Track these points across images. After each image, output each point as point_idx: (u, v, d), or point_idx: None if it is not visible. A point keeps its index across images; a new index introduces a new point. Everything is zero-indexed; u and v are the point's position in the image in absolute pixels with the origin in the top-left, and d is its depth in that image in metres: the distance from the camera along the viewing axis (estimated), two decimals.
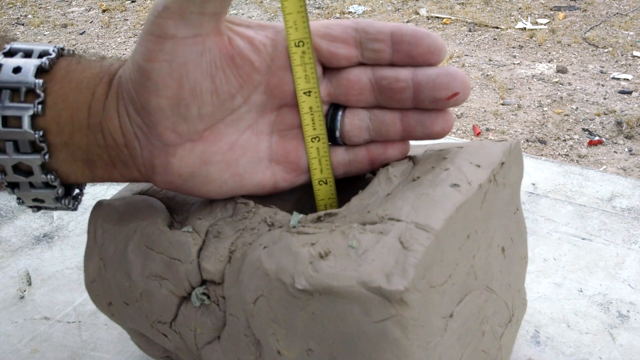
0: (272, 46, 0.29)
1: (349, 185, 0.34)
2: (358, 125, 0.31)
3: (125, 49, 2.83)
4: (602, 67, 2.30)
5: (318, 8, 3.18)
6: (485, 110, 2.03)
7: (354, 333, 0.24)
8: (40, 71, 0.28)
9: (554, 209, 0.56)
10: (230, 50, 0.28)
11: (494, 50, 2.53)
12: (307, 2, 3.19)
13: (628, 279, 0.47)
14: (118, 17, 3.28)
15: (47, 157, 0.29)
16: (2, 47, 0.29)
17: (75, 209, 0.32)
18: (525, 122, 1.94)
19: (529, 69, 2.33)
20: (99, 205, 0.35)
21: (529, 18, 2.82)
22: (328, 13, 3.08)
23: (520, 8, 2.96)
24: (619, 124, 1.87)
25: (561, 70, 2.27)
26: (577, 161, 1.72)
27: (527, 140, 1.84)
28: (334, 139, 0.32)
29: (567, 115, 1.97)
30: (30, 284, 0.50)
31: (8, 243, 0.56)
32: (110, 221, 0.34)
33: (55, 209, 0.32)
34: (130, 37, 2.99)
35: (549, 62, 2.38)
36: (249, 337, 0.28)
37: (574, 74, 2.26)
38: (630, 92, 2.07)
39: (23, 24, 3.25)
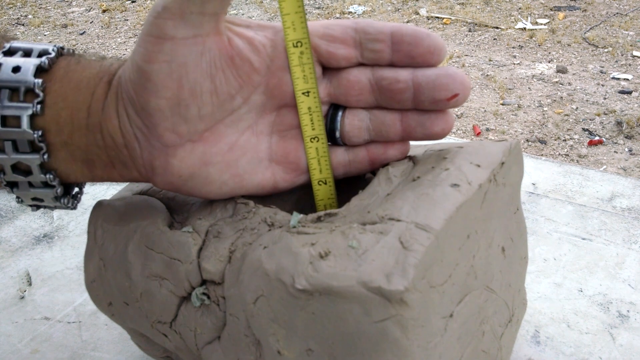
0: (272, 47, 0.29)
1: (349, 185, 0.34)
2: (358, 126, 0.31)
3: (126, 49, 2.83)
4: (602, 67, 2.30)
5: (318, 8, 3.18)
6: (485, 110, 2.03)
7: (354, 333, 0.24)
8: (39, 71, 0.28)
9: (554, 209, 0.56)
10: (229, 50, 0.28)
11: (494, 50, 2.53)
12: (307, 2, 3.20)
13: (628, 278, 0.47)
14: (118, 18, 3.28)
15: (46, 156, 0.29)
16: (2, 46, 0.29)
17: (74, 208, 0.32)
18: (525, 122, 1.94)
19: (529, 69, 2.33)
20: (99, 206, 0.35)
21: (529, 18, 2.82)
22: (328, 13, 3.08)
23: (520, 8, 2.96)
24: (619, 123, 1.87)
25: (561, 70, 2.27)
26: (577, 161, 1.72)
27: (527, 140, 1.84)
28: (334, 139, 0.32)
29: (567, 115, 1.97)
30: (30, 284, 0.50)
31: (8, 243, 0.56)
32: (111, 221, 0.34)
33: (55, 208, 0.32)
34: (130, 38, 2.99)
35: (549, 62, 2.38)
36: (249, 337, 0.28)
37: (574, 74, 2.26)
38: (630, 92, 2.07)
39: (23, 24, 3.25)
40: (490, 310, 0.31)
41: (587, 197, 0.57)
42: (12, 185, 0.30)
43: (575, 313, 0.44)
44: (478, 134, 1.88)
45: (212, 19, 0.27)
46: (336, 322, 0.25)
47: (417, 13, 3.00)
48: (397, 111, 0.30)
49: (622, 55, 2.38)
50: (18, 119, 0.28)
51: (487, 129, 1.92)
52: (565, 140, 1.83)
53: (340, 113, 0.31)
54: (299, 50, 0.29)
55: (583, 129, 1.88)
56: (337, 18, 2.98)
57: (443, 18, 2.90)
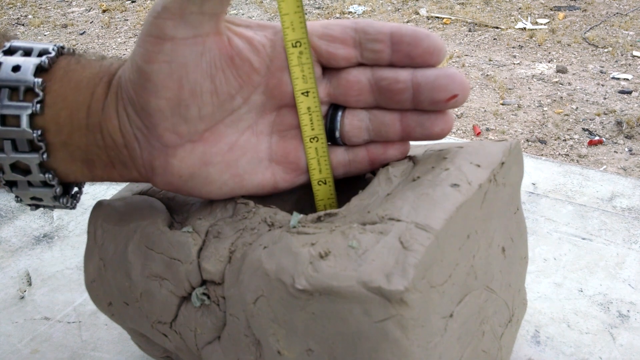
0: (271, 47, 0.29)
1: (349, 185, 0.34)
2: (357, 126, 0.31)
3: (126, 49, 2.83)
4: (602, 67, 2.30)
5: (318, 8, 3.18)
6: (485, 110, 2.03)
7: (354, 333, 0.24)
8: (39, 70, 0.28)
9: (554, 209, 0.56)
10: (229, 50, 0.28)
11: (494, 50, 2.53)
12: (307, 2, 3.20)
13: (628, 278, 0.47)
14: (118, 18, 3.28)
15: (45, 156, 0.29)
16: (2, 45, 0.29)
17: (73, 207, 0.32)
18: (525, 122, 1.94)
19: (529, 69, 2.33)
20: (99, 206, 0.35)
21: (529, 18, 2.82)
22: (328, 13, 3.08)
23: (520, 8, 2.96)
24: (619, 123, 1.87)
25: (561, 70, 2.27)
26: (577, 161, 1.72)
27: (527, 140, 1.84)
28: (333, 139, 0.32)
29: (567, 115, 1.97)
30: (30, 284, 0.50)
31: (8, 243, 0.56)
32: (110, 221, 0.34)
33: (54, 207, 0.32)
34: (130, 38, 2.99)
35: (549, 62, 2.38)
36: (249, 337, 0.28)
37: (574, 74, 2.26)
38: (630, 92, 2.07)
39: (23, 25, 3.25)
40: (490, 310, 0.31)
41: (587, 197, 0.57)
42: (11, 185, 0.30)
43: (575, 313, 0.44)
44: (478, 134, 1.88)
45: (212, 18, 0.27)
46: (336, 322, 0.25)
47: (417, 13, 3.00)
48: (396, 111, 0.30)
49: (622, 55, 2.38)
50: (17, 118, 0.28)
51: (487, 129, 1.92)
52: (565, 140, 1.83)
53: (339, 113, 0.31)
54: (298, 50, 0.29)
55: (583, 129, 1.88)
56: (337, 18, 2.98)
57: (443, 18, 2.90)
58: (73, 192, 0.32)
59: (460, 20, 2.86)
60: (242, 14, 3.17)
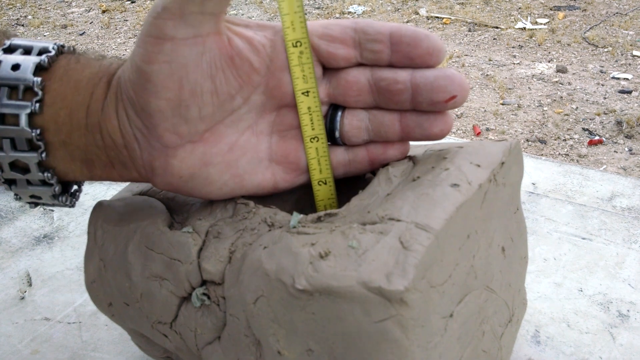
0: (271, 47, 0.29)
1: (349, 185, 0.34)
2: (357, 126, 0.31)
3: (125, 50, 2.83)
4: (602, 66, 2.30)
5: (318, 8, 3.18)
6: (485, 110, 2.03)
7: (354, 333, 0.24)
8: (39, 69, 0.28)
9: (554, 209, 0.56)
10: (229, 50, 0.28)
11: (493, 50, 2.53)
12: (307, 2, 3.19)
13: (628, 278, 0.47)
14: (118, 18, 3.28)
15: (44, 155, 0.29)
16: (2, 43, 0.29)
17: (72, 206, 0.32)
18: (525, 121, 1.94)
19: (528, 68, 2.33)
20: (99, 206, 0.35)
21: (529, 18, 2.82)
22: (328, 13, 3.08)
23: (520, 8, 2.96)
24: (619, 123, 1.87)
25: (561, 70, 2.27)
26: (577, 161, 1.72)
27: (527, 140, 1.84)
28: (333, 139, 0.32)
29: (567, 115, 1.97)
30: (30, 285, 0.50)
31: (8, 244, 0.56)
32: (111, 222, 0.34)
33: (53, 205, 0.32)
34: (130, 38, 2.99)
35: (549, 61, 2.38)
36: (249, 338, 0.28)
37: (573, 74, 2.26)
38: (630, 92, 2.07)
39: (23, 25, 3.25)
40: (490, 310, 0.31)
41: (587, 197, 0.57)
42: (10, 183, 0.30)
43: (575, 313, 0.44)
44: (478, 134, 1.88)
45: (211, 18, 0.27)
46: (336, 322, 0.25)
47: (417, 13, 3.00)
48: (396, 112, 0.30)
49: (622, 54, 2.38)
50: (17, 117, 0.28)
51: (487, 129, 1.92)
52: (565, 140, 1.83)
53: (339, 113, 0.31)
54: (298, 50, 0.29)
55: (583, 129, 1.88)
56: (337, 18, 2.98)
57: (443, 18, 2.90)
58: (72, 191, 0.32)
59: (460, 20, 2.86)
60: (242, 14, 3.17)
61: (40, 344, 0.44)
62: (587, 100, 2.05)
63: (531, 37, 2.61)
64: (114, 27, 3.15)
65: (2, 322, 0.46)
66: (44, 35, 3.07)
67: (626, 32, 2.59)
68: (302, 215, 0.29)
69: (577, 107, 2.01)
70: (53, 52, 0.29)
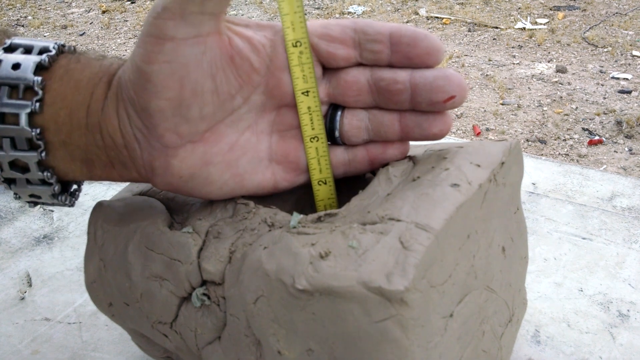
0: (271, 46, 0.29)
1: (349, 185, 0.34)
2: (357, 126, 0.31)
3: (125, 50, 2.83)
4: (602, 66, 2.30)
5: (318, 8, 3.18)
6: (485, 110, 2.03)
7: (354, 333, 0.24)
8: (39, 68, 0.28)
9: (554, 209, 0.56)
10: (229, 50, 0.28)
11: (493, 50, 2.53)
12: (307, 2, 3.19)
13: (628, 278, 0.47)
14: (118, 18, 3.28)
15: (43, 154, 0.29)
16: (3, 42, 0.29)
17: (72, 205, 0.32)
18: (525, 121, 1.94)
19: (528, 68, 2.33)
20: (99, 206, 0.35)
21: (529, 18, 2.82)
22: (328, 13, 3.08)
23: (519, 8, 2.96)
24: (618, 123, 1.87)
25: (561, 70, 2.27)
26: (577, 161, 1.72)
27: (527, 140, 1.84)
28: (333, 138, 0.32)
29: (567, 114, 1.97)
30: (30, 285, 0.50)
31: (8, 244, 0.56)
32: (111, 222, 0.34)
33: (53, 204, 0.32)
34: (130, 38, 2.99)
35: (549, 61, 2.38)
36: (250, 338, 0.28)
37: (573, 74, 2.26)
38: (629, 92, 2.07)
39: (23, 25, 3.25)
40: (490, 310, 0.31)
41: (587, 197, 0.57)
42: (9, 182, 0.30)
43: (575, 313, 0.44)
44: (478, 134, 1.88)
45: (212, 18, 0.27)
46: (336, 322, 0.25)
47: (417, 13, 3.00)
48: (395, 112, 0.30)
49: (621, 54, 2.38)
50: (17, 116, 0.28)
51: (487, 129, 1.92)
52: (565, 140, 1.83)
53: (339, 113, 0.31)
54: (298, 50, 0.29)
55: (583, 129, 1.88)
56: (337, 18, 2.98)
57: (442, 18, 2.90)
58: (72, 190, 0.32)
59: (459, 20, 2.86)
60: (242, 15, 3.17)
61: (41, 344, 0.44)
62: (587, 100, 2.05)
63: (531, 37, 2.61)
64: (114, 28, 3.15)
65: (2, 323, 0.46)
66: (44, 36, 3.07)
67: (626, 32, 2.59)
68: (302, 215, 0.29)
69: (577, 107, 2.01)
70: (54, 52, 0.29)
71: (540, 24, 2.75)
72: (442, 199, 0.27)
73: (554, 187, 0.59)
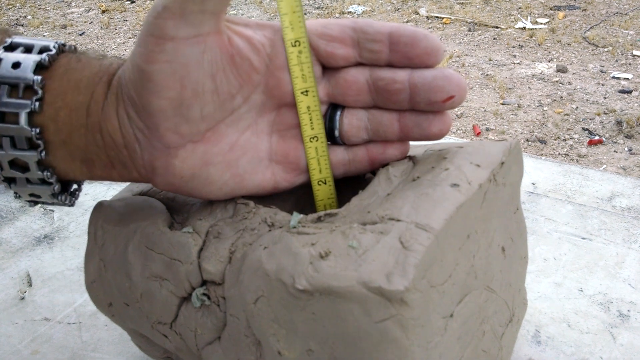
0: (271, 46, 0.29)
1: (349, 185, 0.34)
2: (356, 125, 0.31)
3: (125, 50, 2.83)
4: (602, 66, 2.30)
5: (318, 8, 3.18)
6: (485, 110, 2.03)
7: (354, 333, 0.24)
8: (39, 67, 0.28)
9: (554, 209, 0.56)
10: (230, 49, 0.28)
11: (493, 50, 2.53)
12: (307, 2, 3.19)
13: (628, 278, 0.47)
14: (117, 18, 3.28)
15: (43, 154, 0.29)
16: (3, 41, 0.29)
17: (72, 205, 0.32)
18: (525, 121, 1.94)
19: (529, 68, 2.33)
20: (99, 206, 0.35)
21: (529, 17, 2.82)
22: (327, 13, 3.08)
23: (520, 7, 2.96)
24: (619, 123, 1.87)
25: (561, 70, 2.27)
26: (577, 161, 1.72)
27: (527, 140, 1.84)
28: (333, 138, 0.32)
29: (567, 114, 1.97)
30: (30, 285, 0.50)
31: (8, 244, 0.56)
32: (111, 222, 0.34)
33: (53, 204, 0.32)
34: (129, 38, 2.99)
35: (549, 61, 2.38)
36: (250, 338, 0.28)
37: (574, 74, 2.26)
38: (630, 92, 2.07)
39: (22, 25, 3.25)
40: (490, 310, 0.31)
41: (586, 197, 0.57)
42: (9, 181, 0.30)
43: (575, 313, 0.44)
44: (478, 134, 1.88)
45: (212, 17, 0.27)
46: (336, 322, 0.25)
47: (417, 13, 3.00)
48: (394, 111, 0.30)
49: (622, 54, 2.38)
50: (16, 115, 0.28)
51: (487, 129, 1.92)
52: (565, 139, 1.83)
53: (339, 112, 0.31)
54: (297, 49, 0.29)
55: (583, 129, 1.88)
56: (337, 18, 2.97)
57: (443, 18, 2.90)
58: (72, 190, 0.32)
59: (460, 20, 2.86)
60: (242, 14, 3.17)
61: (41, 344, 0.44)
62: (587, 100, 2.05)
63: (531, 37, 2.61)
64: (113, 27, 3.15)
65: (2, 323, 0.46)
66: (44, 35, 3.07)
67: (626, 31, 2.59)
68: (302, 215, 0.29)
69: (577, 107, 2.01)
70: (54, 51, 0.29)
71: (541, 23, 2.75)
72: (442, 199, 0.27)
73: (554, 187, 0.59)
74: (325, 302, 0.25)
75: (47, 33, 3.11)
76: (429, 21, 2.90)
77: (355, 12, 3.08)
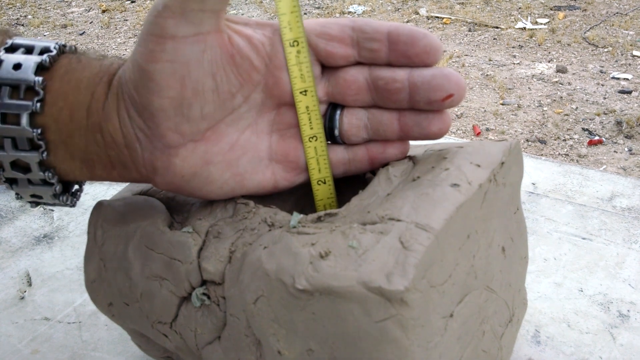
0: (270, 45, 0.29)
1: (349, 185, 0.34)
2: (356, 125, 0.31)
3: (125, 50, 2.83)
4: (602, 66, 2.30)
5: (318, 8, 3.18)
6: (485, 110, 2.03)
7: (354, 333, 0.24)
8: (40, 68, 0.28)
9: (554, 209, 0.56)
10: (230, 48, 0.28)
11: (493, 50, 2.53)
12: (307, 2, 3.19)
13: (628, 278, 0.47)
14: (118, 18, 3.28)
15: (44, 154, 0.29)
16: (4, 43, 0.29)
17: (73, 205, 0.32)
18: (525, 122, 1.94)
19: (528, 68, 2.33)
20: (99, 206, 0.35)
21: (529, 18, 2.82)
22: (328, 13, 3.08)
23: (520, 8, 2.96)
24: (618, 123, 1.87)
25: (561, 70, 2.27)
26: (577, 161, 1.72)
27: (527, 140, 1.84)
28: (333, 137, 0.32)
29: (567, 115, 1.97)
30: (30, 285, 0.50)
31: (8, 244, 0.56)
32: (111, 222, 0.34)
33: (54, 204, 0.32)
34: (130, 38, 2.99)
35: (549, 61, 2.38)
36: (250, 338, 0.28)
37: (573, 74, 2.26)
38: (630, 92, 2.07)
39: (23, 25, 3.25)
40: (490, 310, 0.31)
41: (587, 197, 0.57)
42: (11, 182, 0.30)
43: (575, 313, 0.44)
44: (478, 134, 1.88)
45: (212, 16, 0.27)
46: (336, 322, 0.25)
47: (417, 13, 3.00)
48: (394, 110, 0.30)
49: (622, 54, 2.38)
50: (18, 116, 0.28)
51: (487, 129, 1.92)
52: (565, 140, 1.83)
53: (338, 112, 0.31)
54: (295, 49, 0.29)
55: (583, 129, 1.88)
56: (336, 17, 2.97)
57: (443, 18, 2.90)
58: (73, 190, 0.32)
59: (460, 20, 2.86)
60: (242, 14, 3.17)
61: (41, 343, 0.44)
62: (587, 100, 2.05)
63: (531, 37, 2.61)
64: (113, 27, 3.15)
65: (2, 322, 0.46)
66: (44, 35, 3.07)
67: (626, 32, 2.59)
68: (302, 215, 0.29)
69: (577, 107, 2.01)
70: (54, 52, 0.29)
71: (541, 23, 2.75)
72: (442, 199, 0.27)
73: (554, 187, 0.59)
74: (325, 302, 0.24)
75: (48, 33, 3.11)
76: (429, 21, 2.90)
77: (355, 12, 3.08)
